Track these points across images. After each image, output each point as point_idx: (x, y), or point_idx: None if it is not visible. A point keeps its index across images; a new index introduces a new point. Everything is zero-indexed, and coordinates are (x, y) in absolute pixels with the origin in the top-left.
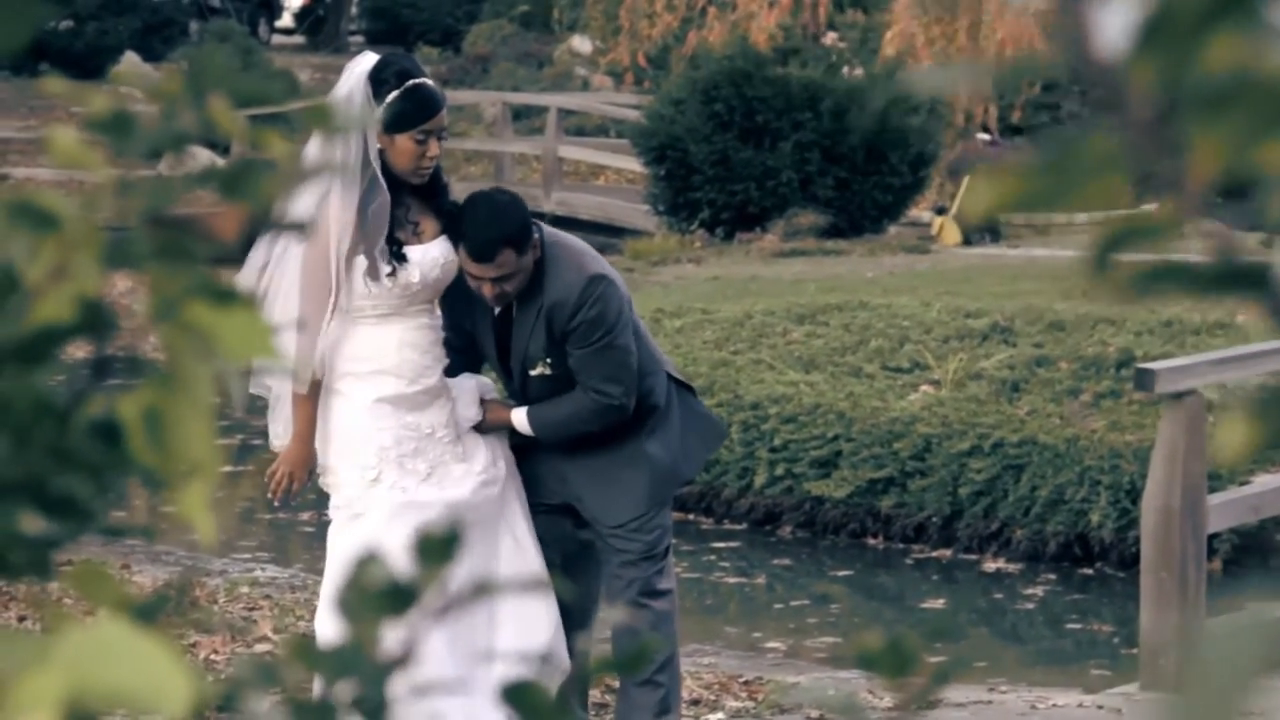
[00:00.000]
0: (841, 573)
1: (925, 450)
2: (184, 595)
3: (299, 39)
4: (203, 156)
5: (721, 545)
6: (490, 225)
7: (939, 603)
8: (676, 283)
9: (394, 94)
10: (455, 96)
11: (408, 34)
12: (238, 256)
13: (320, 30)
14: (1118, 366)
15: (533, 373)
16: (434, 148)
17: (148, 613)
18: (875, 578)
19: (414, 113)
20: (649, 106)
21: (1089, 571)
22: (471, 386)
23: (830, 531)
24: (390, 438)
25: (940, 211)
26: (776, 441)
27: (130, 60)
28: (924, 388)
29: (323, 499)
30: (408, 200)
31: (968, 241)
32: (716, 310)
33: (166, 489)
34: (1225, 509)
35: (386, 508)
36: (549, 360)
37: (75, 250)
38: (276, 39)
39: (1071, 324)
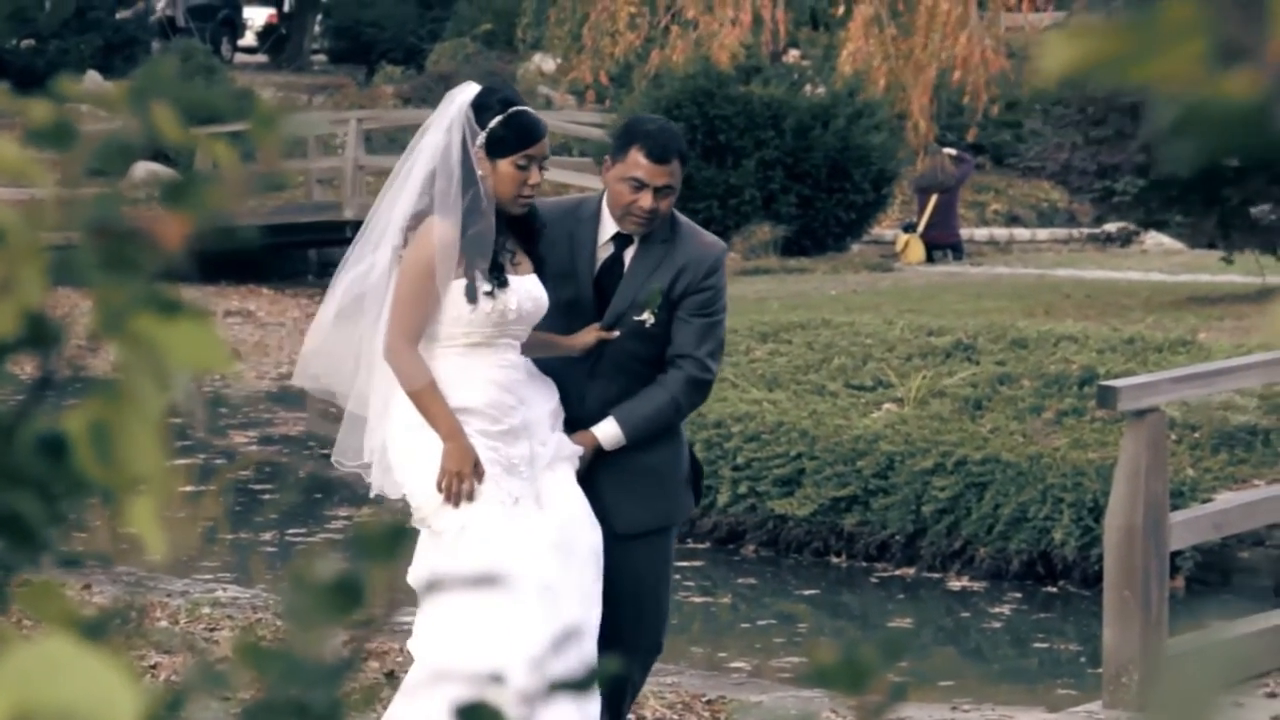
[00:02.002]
0: (805, 591)
1: (888, 468)
2: (133, 614)
3: (262, 58)
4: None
5: (685, 564)
6: (667, 130)
7: (904, 621)
8: None
9: (497, 120)
10: (417, 116)
11: (370, 53)
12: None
13: (283, 49)
14: (1080, 384)
15: (637, 318)
16: (535, 175)
17: (96, 630)
18: (839, 596)
19: (517, 138)
20: (612, 125)
21: (1052, 589)
22: (557, 434)
23: (793, 550)
24: (484, 454)
25: (908, 229)
26: (740, 460)
27: (92, 79)
28: (887, 406)
29: (285, 519)
30: (506, 232)
31: (930, 259)
32: None
33: (115, 503)
34: (1188, 527)
35: (487, 523)
36: (656, 311)
37: (18, 264)
38: (239, 58)
39: (1034, 341)
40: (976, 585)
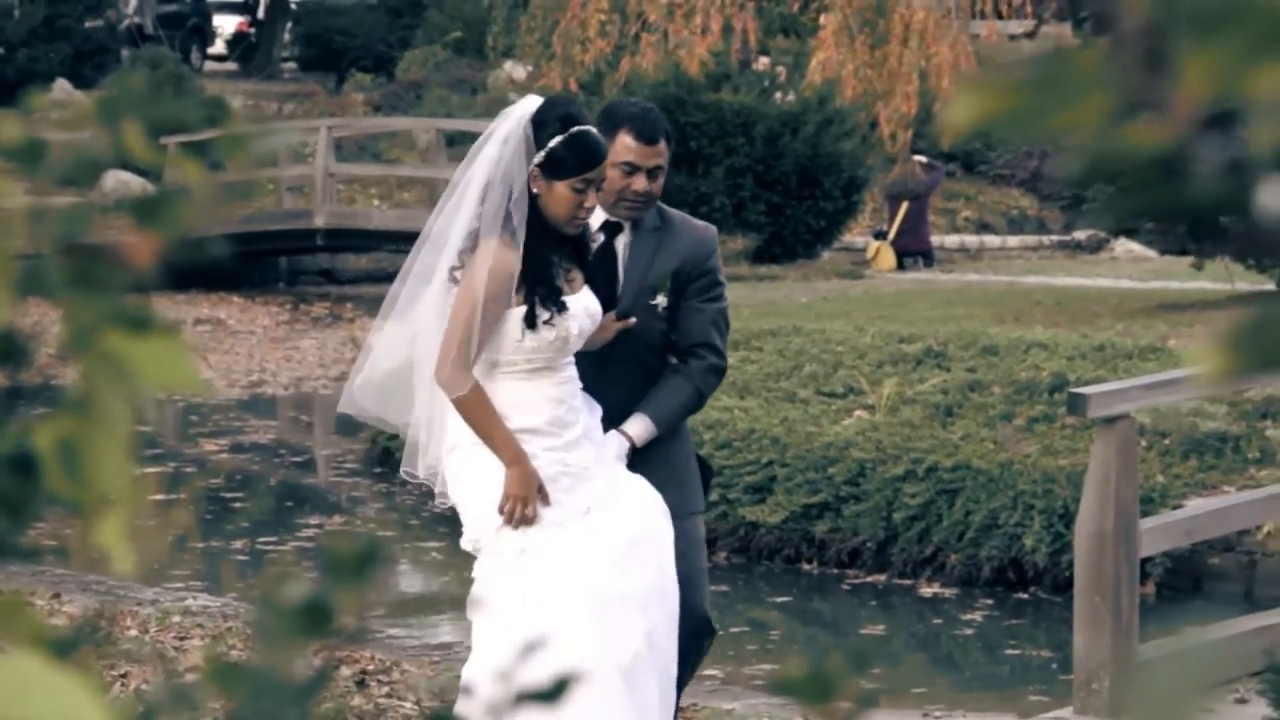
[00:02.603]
0: (777, 598)
1: (859, 475)
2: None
3: (232, 66)
4: (134, 184)
5: None
6: (651, 110)
7: (876, 628)
8: None
9: (557, 139)
10: (388, 123)
11: (341, 61)
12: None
13: (253, 57)
14: (1050, 391)
15: (651, 302)
16: (591, 198)
17: (65, 647)
18: (811, 603)
19: (577, 160)
20: None
21: (1023, 596)
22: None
23: (765, 557)
24: (546, 473)
25: (879, 236)
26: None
27: (61, 87)
28: (858, 413)
29: (256, 527)
30: (558, 250)
31: (901, 266)
32: None
33: (84, 519)
34: (1158, 533)
35: (552, 548)
36: (667, 292)
37: None
38: (209, 66)
39: (1004, 348)
40: (948, 592)
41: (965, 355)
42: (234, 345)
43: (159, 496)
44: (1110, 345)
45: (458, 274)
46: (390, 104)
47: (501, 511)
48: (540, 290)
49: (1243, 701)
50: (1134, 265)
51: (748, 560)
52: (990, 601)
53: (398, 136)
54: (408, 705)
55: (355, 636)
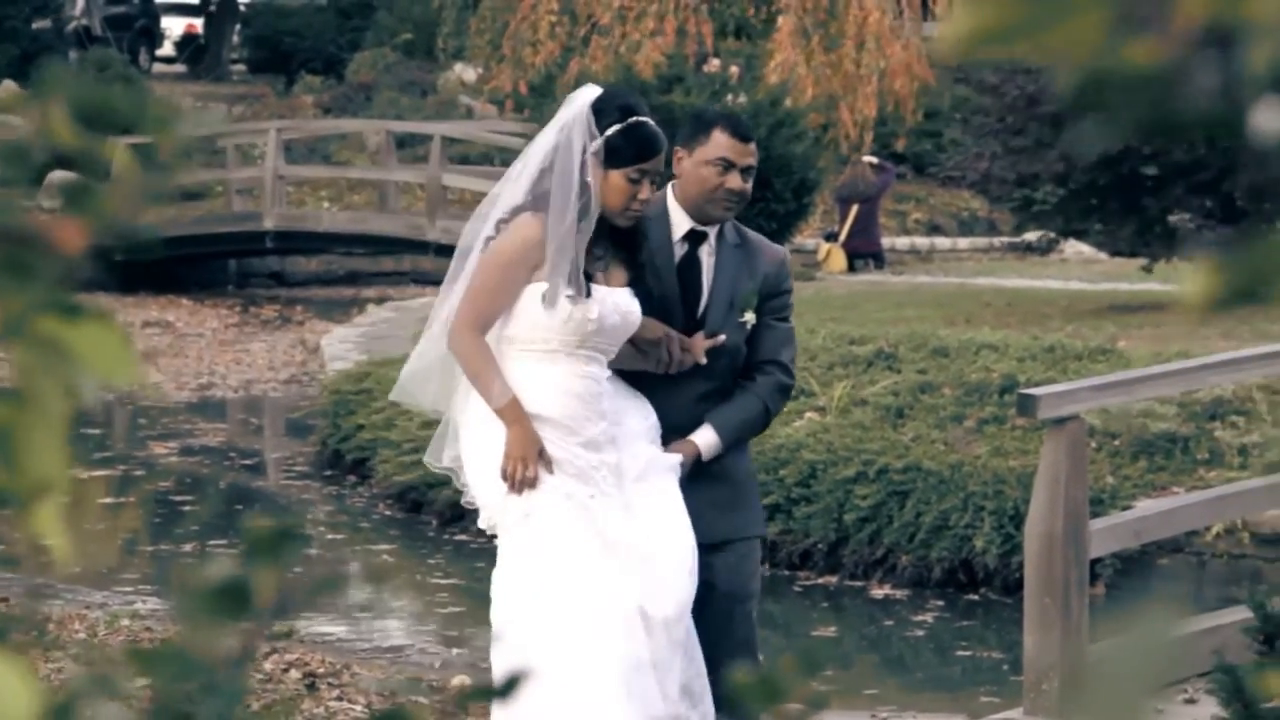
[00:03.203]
0: None
1: (810, 477)
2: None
3: (180, 68)
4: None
5: None
6: (741, 117)
7: (827, 629)
8: None
9: (615, 128)
10: (338, 125)
11: (290, 62)
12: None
13: (201, 59)
14: (1001, 392)
15: (740, 320)
16: (646, 190)
17: None
18: (762, 604)
19: (634, 150)
20: (533, 134)
21: (974, 597)
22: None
23: None
24: (557, 454)
25: (830, 238)
26: None
27: (8, 88)
28: (809, 414)
29: (206, 530)
30: (605, 241)
31: (852, 268)
32: None
33: (17, 508)
34: (1107, 534)
35: (559, 512)
36: (755, 310)
37: None
38: (158, 68)
39: (955, 350)
40: (899, 593)
41: (916, 357)
42: (183, 348)
43: (108, 499)
44: (1060, 347)
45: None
46: (340, 106)
47: (503, 475)
48: (566, 269)
49: (1192, 701)
50: (1084, 267)
51: None
52: (941, 603)
53: (347, 138)
54: (358, 708)
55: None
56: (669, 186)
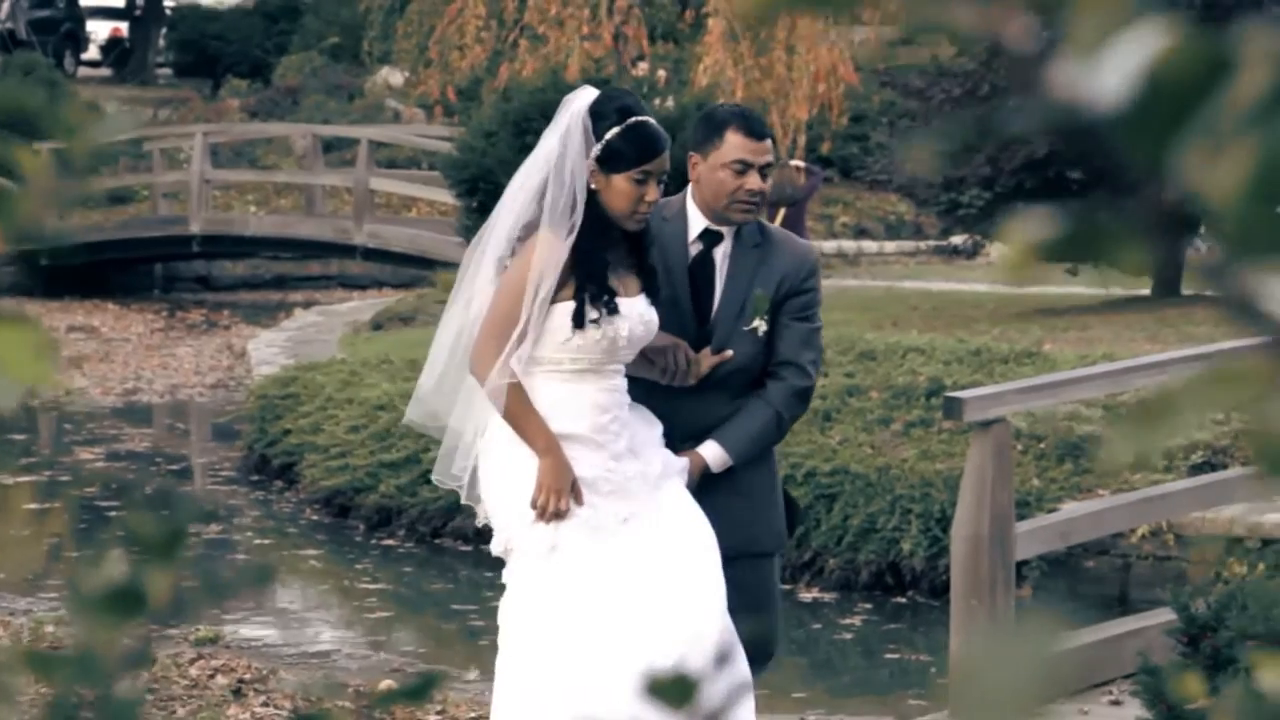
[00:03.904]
0: None
1: None
2: None
3: (106, 71)
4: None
5: None
6: (752, 109)
7: None
8: None
9: (614, 131)
10: (264, 129)
11: (216, 66)
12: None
13: (127, 62)
14: (927, 395)
15: (746, 328)
16: (652, 191)
17: None
18: None
19: (634, 152)
20: (460, 138)
21: (901, 600)
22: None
23: None
24: (585, 475)
25: None
26: None
27: None
28: None
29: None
30: (616, 249)
31: None
32: None
33: None
34: (1033, 536)
35: (581, 546)
36: (766, 316)
37: None
38: (83, 71)
39: (882, 353)
40: (827, 596)
41: (843, 360)
42: (109, 353)
43: (33, 505)
44: (986, 350)
45: (507, 263)
46: (266, 110)
47: (534, 505)
48: (591, 287)
49: (1116, 703)
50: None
51: None
52: (869, 605)
53: (274, 142)
54: (284, 713)
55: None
56: (688, 189)
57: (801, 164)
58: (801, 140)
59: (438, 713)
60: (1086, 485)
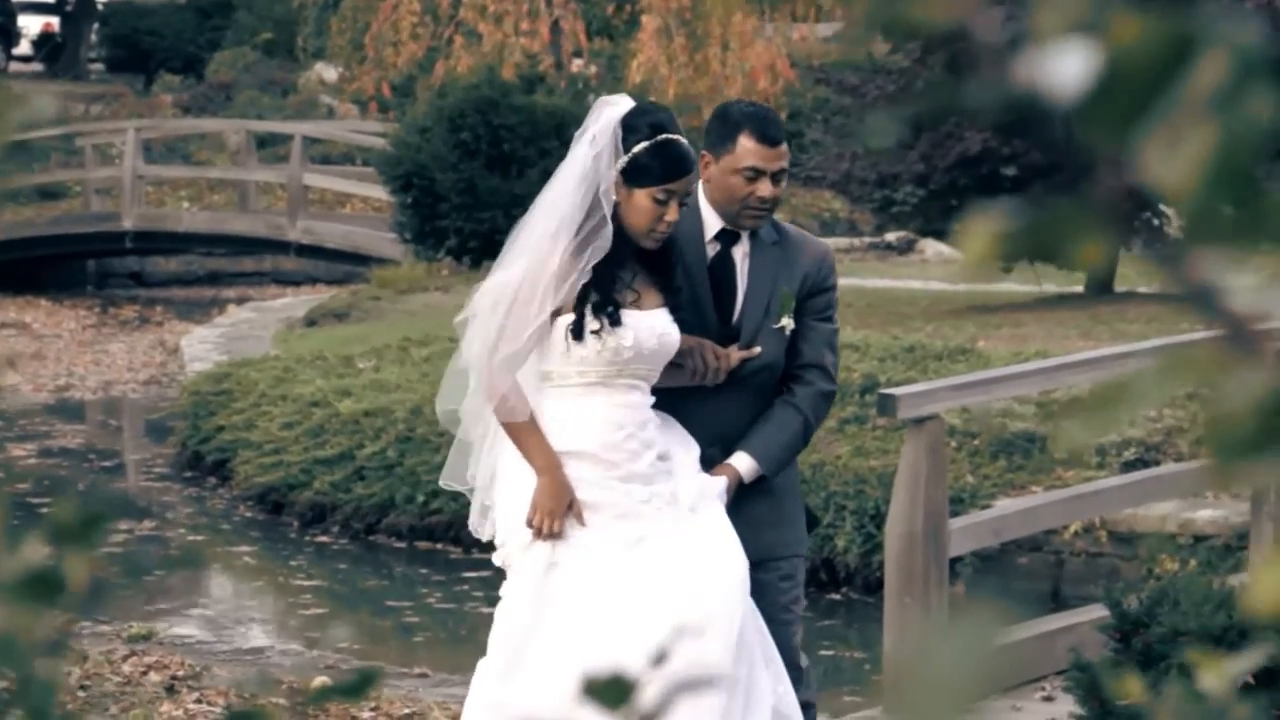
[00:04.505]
0: None
1: None
2: None
3: (38, 66)
4: None
5: (471, 574)
6: (769, 110)
7: None
8: (424, 311)
9: (642, 145)
10: (197, 125)
11: (149, 61)
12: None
13: (59, 58)
14: (862, 392)
15: (775, 326)
16: (673, 211)
17: None
18: None
19: (661, 170)
20: (395, 135)
21: (836, 596)
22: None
23: None
24: (586, 497)
25: None
26: None
27: None
28: None
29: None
30: (634, 264)
31: None
32: None
33: None
34: (967, 533)
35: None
36: (792, 314)
37: None
38: (14, 67)
39: None
40: None
41: None
42: (41, 349)
43: None
44: (920, 347)
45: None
46: (199, 105)
47: (529, 524)
48: (592, 298)
49: (1049, 699)
50: (943, 267)
51: None
52: (804, 602)
53: (207, 138)
54: (217, 710)
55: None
56: (699, 184)
57: None
58: None
59: (372, 709)
60: (1020, 482)
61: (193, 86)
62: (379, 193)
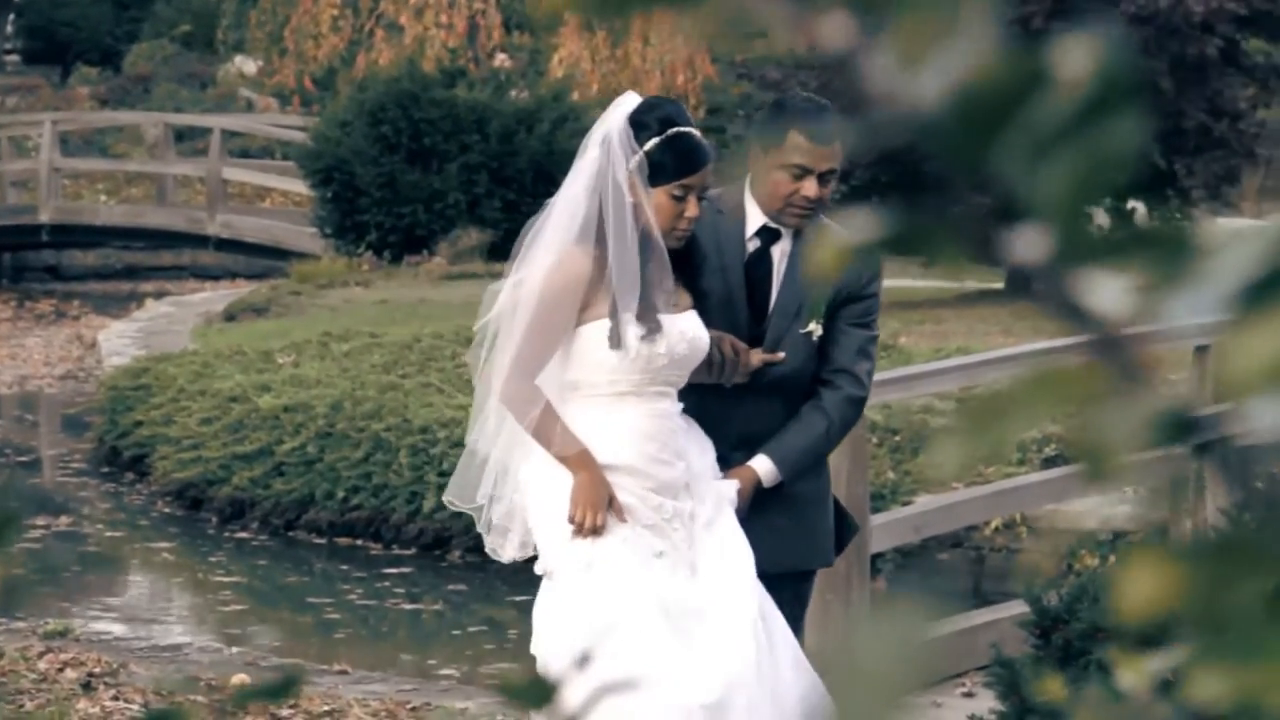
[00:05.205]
0: (514, 597)
1: None
2: None
3: None
4: None
5: (392, 571)
6: (826, 107)
7: None
8: (344, 306)
9: (654, 141)
10: (115, 118)
11: (66, 53)
12: None
13: None
14: None
15: (802, 331)
16: (693, 207)
17: None
18: (530, 598)
19: (675, 164)
20: (315, 128)
21: None
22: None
23: None
24: (630, 501)
25: None
26: (445, 465)
27: None
28: None
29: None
30: (657, 264)
31: None
32: (384, 333)
33: None
34: (888, 529)
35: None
36: (821, 320)
37: None
38: None
39: None
40: None
41: None
42: None
43: None
44: None
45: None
46: (117, 98)
47: (571, 521)
48: (629, 303)
49: (969, 695)
50: None
51: (483, 559)
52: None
53: (125, 131)
54: (135, 707)
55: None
56: (746, 179)
57: None
58: None
59: (291, 706)
60: (940, 479)
61: (110, 79)
62: (299, 187)
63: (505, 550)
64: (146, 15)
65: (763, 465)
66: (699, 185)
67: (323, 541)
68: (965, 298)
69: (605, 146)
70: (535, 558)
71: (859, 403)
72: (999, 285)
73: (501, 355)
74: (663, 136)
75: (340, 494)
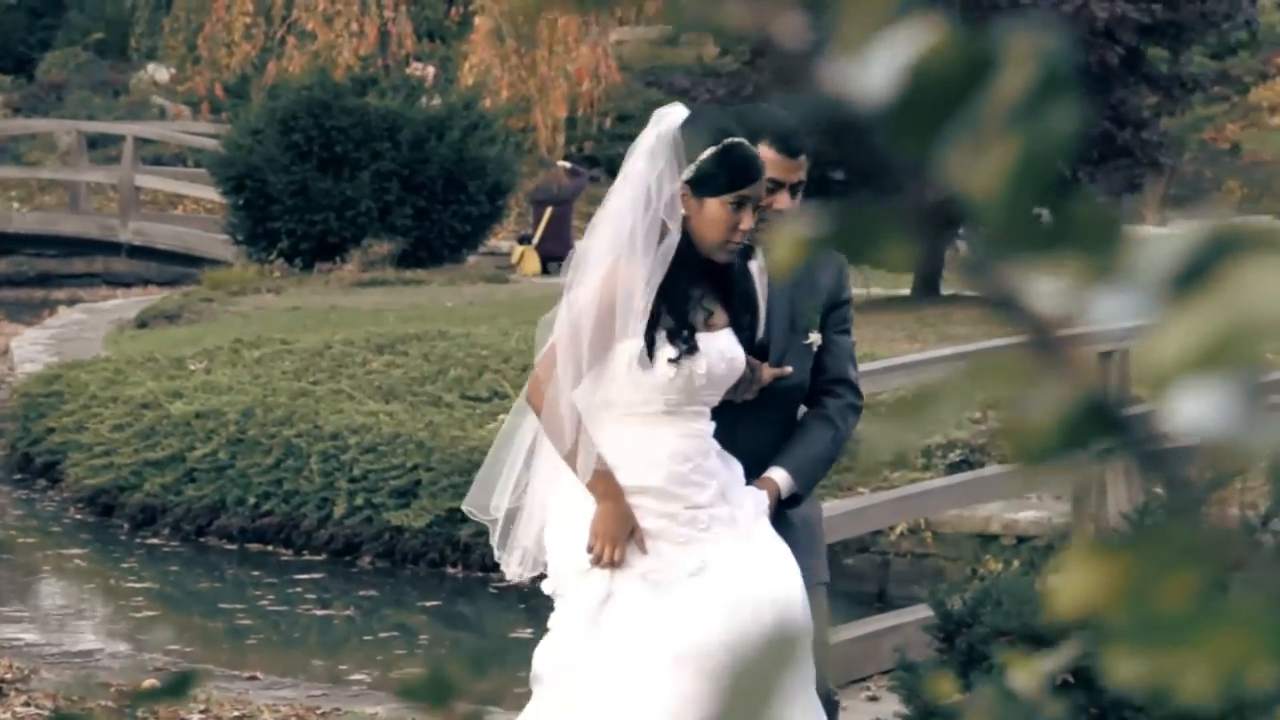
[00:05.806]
0: (425, 603)
1: None
2: None
3: None
4: None
5: (303, 577)
6: (793, 118)
7: (524, 631)
8: (256, 313)
9: (709, 152)
10: (28, 125)
11: None
12: None
13: None
14: None
15: (804, 342)
16: (747, 219)
17: None
18: (457, 607)
19: (730, 175)
20: (227, 136)
21: None
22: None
23: (410, 561)
24: (650, 526)
25: (524, 241)
26: (356, 471)
27: None
28: (503, 416)
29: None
30: (703, 281)
31: (546, 271)
32: (296, 340)
33: None
34: None
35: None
36: (819, 330)
37: None
38: None
39: None
40: None
41: None
42: None
43: None
44: None
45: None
46: (30, 105)
47: (589, 552)
48: (666, 321)
49: (874, 699)
50: None
51: (393, 564)
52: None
53: (38, 138)
54: (46, 713)
55: None
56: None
57: (568, 164)
58: (560, 139)
59: (201, 711)
60: (846, 483)
61: (23, 86)
62: (211, 194)
63: (511, 567)
64: (60, 23)
65: (781, 477)
66: (754, 197)
67: (234, 547)
68: (871, 303)
69: (653, 158)
70: (544, 576)
71: (859, 410)
72: (905, 291)
73: (541, 370)
74: (718, 147)
75: (251, 500)
